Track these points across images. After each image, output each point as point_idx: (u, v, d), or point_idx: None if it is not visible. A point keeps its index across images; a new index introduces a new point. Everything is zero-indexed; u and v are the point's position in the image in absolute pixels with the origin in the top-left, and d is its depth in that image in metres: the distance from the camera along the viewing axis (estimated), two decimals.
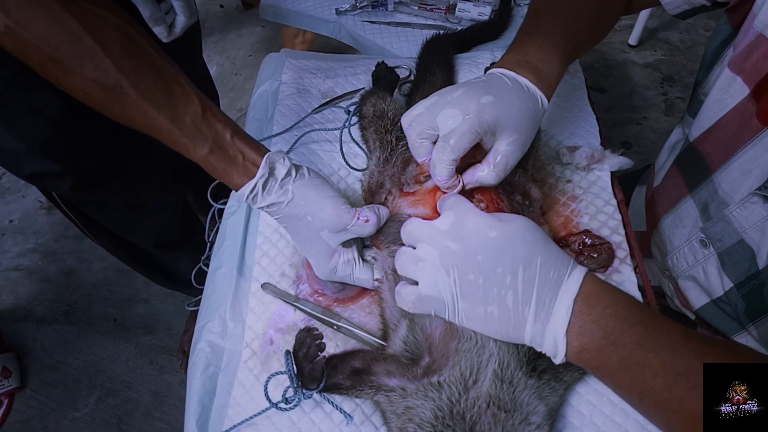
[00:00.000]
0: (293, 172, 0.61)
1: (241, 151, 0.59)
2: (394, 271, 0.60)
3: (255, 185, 0.59)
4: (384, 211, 0.63)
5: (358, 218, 0.60)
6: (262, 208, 0.61)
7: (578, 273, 0.48)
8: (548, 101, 0.61)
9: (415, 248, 0.53)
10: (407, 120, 0.61)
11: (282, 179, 0.60)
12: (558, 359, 0.47)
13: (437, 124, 0.58)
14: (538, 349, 0.49)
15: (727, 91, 0.66)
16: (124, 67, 0.52)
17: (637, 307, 0.47)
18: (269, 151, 0.61)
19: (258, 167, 0.59)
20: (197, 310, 0.74)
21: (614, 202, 0.75)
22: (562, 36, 0.64)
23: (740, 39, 0.64)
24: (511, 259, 0.48)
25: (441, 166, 0.58)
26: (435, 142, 0.59)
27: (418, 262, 0.51)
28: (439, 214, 0.62)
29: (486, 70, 0.87)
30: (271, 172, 0.60)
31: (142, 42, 0.55)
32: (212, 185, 0.80)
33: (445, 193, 0.62)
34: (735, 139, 0.65)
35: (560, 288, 0.47)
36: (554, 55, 0.62)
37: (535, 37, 0.64)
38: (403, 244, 0.56)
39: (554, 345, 0.47)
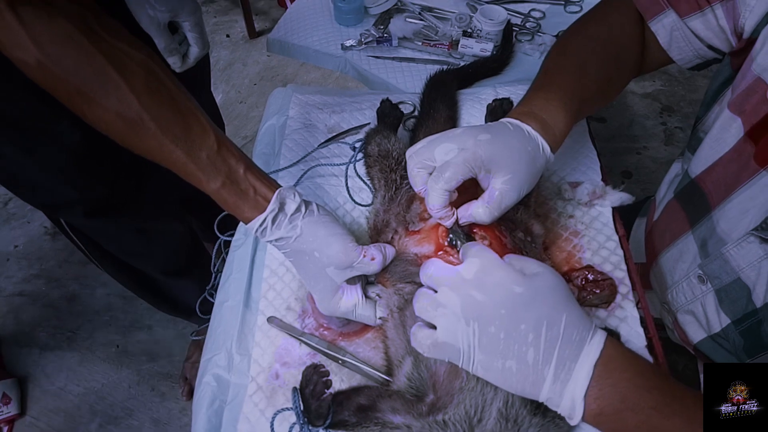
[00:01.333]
0: (303, 208, 0.62)
1: (252, 186, 0.61)
2: (400, 309, 0.61)
3: (265, 219, 0.60)
4: (390, 251, 0.64)
5: (364, 256, 0.61)
6: (271, 241, 0.62)
7: (600, 337, 0.49)
8: (553, 152, 0.63)
9: (435, 291, 0.53)
10: (409, 153, 0.64)
11: (291, 214, 0.61)
12: (574, 421, 0.48)
13: (434, 156, 0.61)
14: (553, 409, 0.49)
15: (727, 131, 0.67)
16: (146, 101, 0.55)
17: (654, 373, 0.49)
18: (280, 186, 0.63)
19: (269, 202, 0.61)
20: (200, 339, 0.74)
21: (616, 237, 0.76)
22: (569, 92, 0.66)
23: (738, 81, 0.65)
24: (535, 318, 0.48)
25: (434, 195, 0.60)
26: None
27: (439, 308, 0.51)
28: (442, 249, 0.64)
29: (488, 106, 0.89)
30: (281, 207, 0.61)
31: (164, 78, 0.58)
32: (219, 217, 0.82)
33: (443, 227, 0.63)
34: (734, 179, 0.66)
35: (582, 351, 0.48)
36: (560, 109, 0.64)
37: (542, 92, 0.66)
38: (409, 283, 0.57)
39: (571, 406, 0.48)
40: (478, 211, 0.61)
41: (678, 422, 0.45)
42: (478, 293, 0.50)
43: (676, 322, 0.82)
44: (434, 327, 0.52)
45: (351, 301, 0.65)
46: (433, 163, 0.61)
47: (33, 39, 0.49)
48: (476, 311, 0.49)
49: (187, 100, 0.59)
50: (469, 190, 0.63)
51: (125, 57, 0.54)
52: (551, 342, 0.48)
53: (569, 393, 0.47)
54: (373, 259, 0.62)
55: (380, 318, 0.65)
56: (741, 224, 0.66)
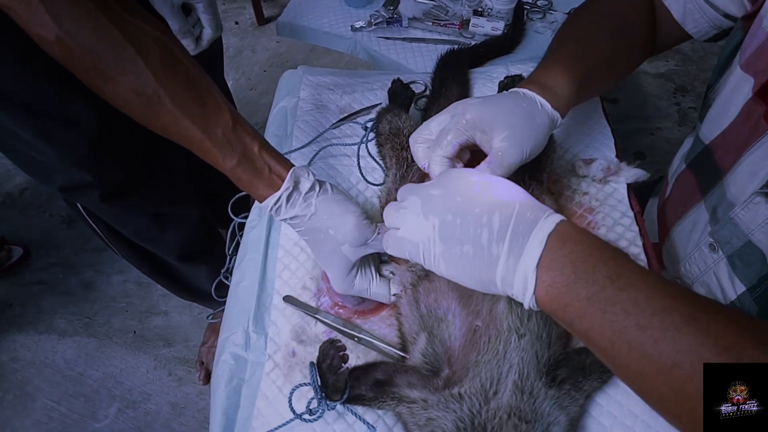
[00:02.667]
0: (317, 187, 0.62)
1: (267, 164, 0.61)
2: (413, 285, 0.61)
3: (279, 197, 0.60)
4: None
5: (378, 233, 0.62)
6: (285, 220, 0.63)
7: (555, 217, 0.47)
8: (558, 110, 0.62)
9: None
10: (411, 137, 0.65)
11: (306, 193, 0.62)
12: (527, 298, 0.46)
13: (431, 129, 0.63)
14: (508, 292, 0.47)
15: (739, 92, 0.66)
16: (162, 78, 0.55)
17: (611, 247, 0.46)
18: (294, 165, 0.63)
19: (283, 180, 0.61)
20: (216, 323, 0.75)
21: (631, 213, 0.75)
22: (571, 58, 0.66)
23: (749, 41, 0.64)
24: (489, 200, 0.48)
25: (434, 164, 0.60)
26: None
27: (400, 210, 0.53)
28: None
29: (500, 83, 0.89)
30: (296, 185, 0.61)
31: (180, 55, 0.58)
32: (233, 199, 0.82)
33: None
34: (744, 141, 0.65)
35: (536, 226, 0.46)
36: (561, 72, 0.64)
37: (542, 64, 0.67)
38: None
39: (524, 281, 0.45)
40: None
41: (636, 294, 0.41)
42: (435, 190, 0.52)
43: None
44: None
45: (365, 280, 0.65)
46: (432, 137, 0.62)
47: (52, 15, 0.50)
48: (434, 205, 0.51)
49: (203, 78, 0.59)
50: (474, 159, 0.63)
51: (142, 34, 0.55)
52: (505, 220, 0.47)
53: (522, 266, 0.45)
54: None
55: (394, 295, 0.65)
56: (750, 186, 0.65)
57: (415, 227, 0.51)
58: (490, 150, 0.60)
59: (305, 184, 0.62)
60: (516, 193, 0.49)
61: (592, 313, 0.43)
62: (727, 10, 0.67)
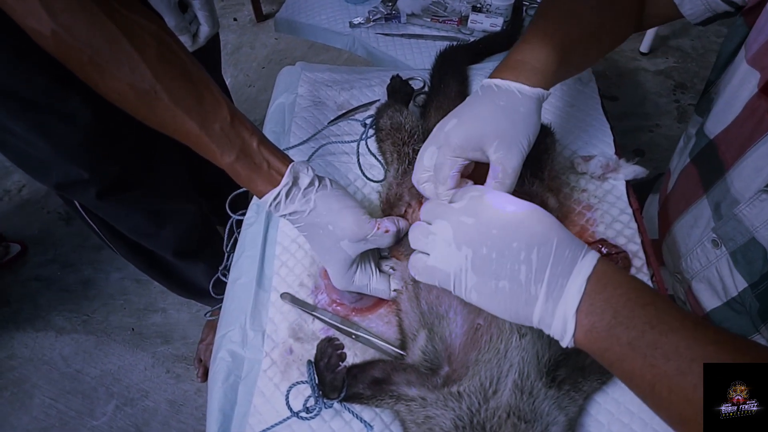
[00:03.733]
0: (316, 182, 0.62)
1: (266, 160, 0.61)
2: (414, 281, 0.61)
3: (278, 193, 0.60)
4: (403, 223, 0.64)
5: (378, 228, 0.61)
6: (284, 216, 0.62)
7: (592, 255, 0.47)
8: (541, 86, 0.60)
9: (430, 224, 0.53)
10: (415, 178, 0.64)
11: (305, 188, 0.61)
12: (566, 340, 0.46)
13: (425, 165, 0.62)
14: (546, 331, 0.48)
15: (743, 87, 0.66)
16: (159, 72, 0.55)
17: (649, 291, 0.46)
18: (293, 161, 0.63)
19: (282, 176, 0.61)
20: (214, 320, 0.75)
21: (630, 210, 0.75)
22: (552, 29, 0.63)
23: (755, 36, 0.64)
24: (527, 235, 0.47)
25: (444, 198, 0.60)
26: None
27: (430, 236, 0.52)
28: None
29: None
30: (295, 181, 0.61)
31: (177, 49, 0.57)
32: (231, 196, 0.82)
33: None
34: (748, 137, 0.65)
35: (574, 267, 0.46)
36: (541, 45, 0.61)
37: (522, 38, 0.65)
38: None
39: (563, 324, 0.46)
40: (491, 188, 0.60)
41: (676, 340, 0.42)
42: (468, 218, 0.50)
43: (690, 292, 0.81)
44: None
45: (365, 275, 0.65)
46: (430, 171, 0.61)
47: (47, 8, 0.49)
48: (468, 235, 0.49)
49: (200, 73, 0.59)
50: (478, 171, 0.63)
51: (138, 28, 0.54)
52: (543, 259, 0.46)
53: (561, 310, 0.46)
54: (386, 231, 0.62)
55: (395, 290, 0.65)
56: (755, 183, 0.64)
57: (446, 256, 0.50)
58: (492, 167, 0.59)
59: (304, 180, 0.61)
60: (551, 224, 0.49)
61: (633, 358, 0.44)
62: None
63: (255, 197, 0.82)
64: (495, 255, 0.48)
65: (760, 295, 0.67)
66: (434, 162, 0.60)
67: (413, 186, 0.70)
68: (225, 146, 0.59)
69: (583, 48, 0.68)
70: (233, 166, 0.60)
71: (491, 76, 0.62)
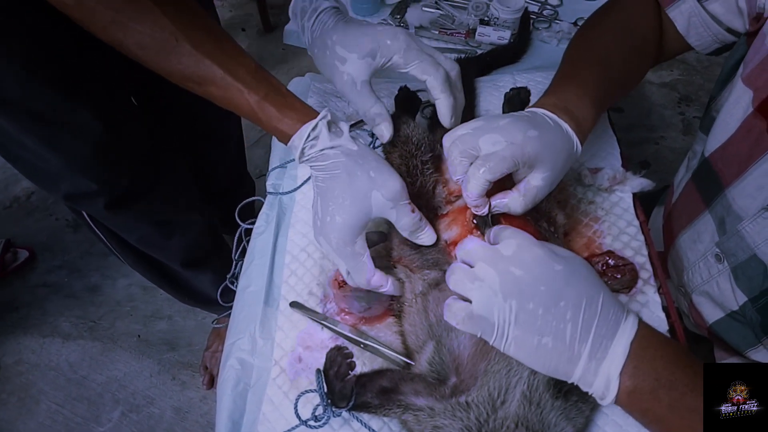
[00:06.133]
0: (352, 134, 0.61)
1: (297, 101, 0.60)
2: (423, 294, 0.61)
3: (317, 124, 0.58)
4: (430, 231, 0.64)
5: (413, 212, 0.61)
6: (323, 150, 0.59)
7: (633, 318, 0.50)
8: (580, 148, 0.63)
9: (472, 267, 0.52)
10: (450, 139, 0.61)
11: (347, 131, 0.60)
12: (606, 400, 0.48)
13: (479, 146, 0.59)
14: (585, 389, 0.49)
15: (739, 106, 0.67)
16: (179, 23, 0.56)
17: (687, 354, 0.49)
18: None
19: (318, 113, 0.59)
20: (220, 328, 0.76)
21: (636, 223, 0.76)
22: (595, 87, 0.66)
23: (751, 56, 0.65)
24: (575, 295, 0.48)
25: (474, 183, 0.58)
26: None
27: (476, 281, 0.50)
28: (470, 233, 0.64)
29: (506, 95, 0.89)
30: (334, 119, 0.60)
31: (196, 6, 0.59)
32: (240, 205, 0.83)
33: (471, 212, 0.64)
34: (747, 155, 0.66)
35: (618, 329, 0.48)
36: (590, 106, 0.64)
37: (572, 86, 0.66)
38: (435, 270, 0.57)
39: (605, 385, 0.48)
40: (513, 201, 0.61)
41: None
42: (517, 269, 0.50)
43: (692, 305, 0.82)
44: (468, 301, 0.51)
45: (365, 248, 0.62)
46: (476, 153, 0.59)
47: None
48: (515, 287, 0.49)
49: (220, 28, 0.60)
50: (499, 180, 0.63)
51: None
52: (589, 320, 0.48)
53: (604, 371, 0.47)
54: (413, 211, 0.61)
55: (404, 299, 0.65)
56: (757, 200, 0.65)
57: (490, 305, 0.49)
58: (525, 181, 0.60)
59: (344, 126, 0.60)
60: (597, 284, 0.50)
61: (672, 419, 0.47)
62: (731, 25, 0.68)
63: (265, 204, 0.83)
64: (541, 311, 0.48)
65: (760, 309, 0.68)
66: (495, 150, 0.57)
67: (425, 198, 0.70)
68: (251, 85, 0.58)
69: (614, 96, 0.72)
70: (261, 104, 0.58)
71: (553, 110, 0.63)
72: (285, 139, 0.60)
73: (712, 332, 0.79)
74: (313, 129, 0.58)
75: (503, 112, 0.87)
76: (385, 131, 0.69)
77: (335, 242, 0.60)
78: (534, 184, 0.60)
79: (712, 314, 0.78)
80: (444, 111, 0.67)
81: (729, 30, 0.69)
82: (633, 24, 0.73)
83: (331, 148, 0.59)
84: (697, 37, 0.71)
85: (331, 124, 0.59)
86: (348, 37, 0.65)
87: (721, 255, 0.72)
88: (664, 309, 0.68)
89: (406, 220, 0.61)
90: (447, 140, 0.62)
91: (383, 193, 0.59)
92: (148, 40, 0.56)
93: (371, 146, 0.82)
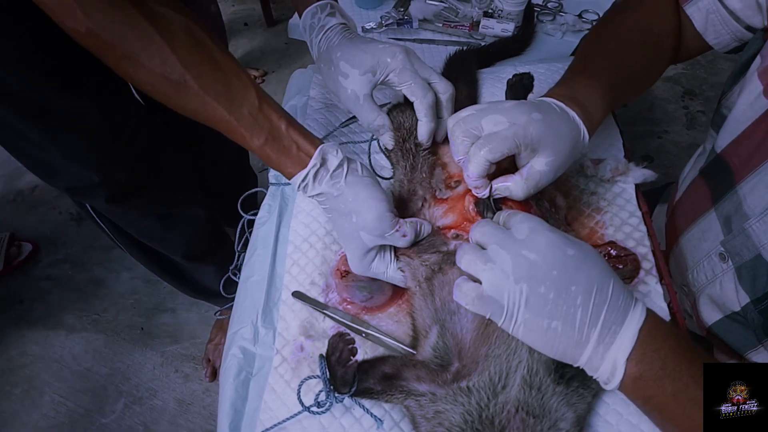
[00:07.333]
0: (345, 165, 0.63)
1: (295, 142, 0.62)
2: (428, 279, 0.61)
3: (306, 175, 0.61)
4: (426, 228, 0.65)
5: (398, 230, 0.62)
6: (313, 196, 0.64)
7: (642, 306, 0.50)
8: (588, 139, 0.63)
9: (485, 249, 0.53)
10: (454, 120, 0.62)
11: (333, 171, 0.62)
12: (611, 385, 0.48)
13: (482, 126, 0.59)
14: (590, 373, 0.50)
15: (756, 101, 0.67)
16: (188, 62, 0.57)
17: (693, 346, 0.49)
18: (324, 143, 0.64)
19: (311, 158, 0.62)
20: (223, 319, 0.76)
21: (639, 214, 0.76)
22: (607, 80, 0.66)
23: (766, 52, 0.65)
24: (586, 280, 0.49)
25: (475, 163, 0.58)
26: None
27: (488, 263, 0.51)
28: (468, 219, 0.64)
29: (508, 81, 0.89)
30: (323, 162, 0.62)
31: (205, 39, 0.60)
32: (242, 197, 0.83)
33: (473, 196, 0.64)
34: (761, 150, 0.65)
35: (627, 316, 0.49)
36: (599, 97, 0.64)
37: (582, 77, 0.66)
38: (434, 253, 0.57)
39: (611, 370, 0.48)
40: (515, 186, 0.61)
41: None
42: (530, 253, 0.50)
43: (694, 306, 0.81)
44: (479, 282, 0.51)
45: (383, 263, 0.66)
46: (479, 133, 0.60)
47: (82, 9, 0.52)
48: (527, 271, 0.49)
49: (228, 60, 0.61)
50: (501, 164, 0.63)
51: (167, 21, 0.57)
52: (599, 305, 0.48)
53: (611, 356, 0.48)
54: (404, 236, 0.63)
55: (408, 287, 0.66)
56: (766, 198, 0.65)
57: (501, 288, 0.50)
58: (528, 166, 0.60)
59: (333, 162, 0.62)
60: (607, 271, 0.51)
61: (674, 408, 0.47)
62: (750, 22, 0.67)
63: (267, 195, 0.83)
64: (552, 296, 0.49)
65: (763, 310, 0.68)
66: (497, 130, 0.58)
67: (423, 179, 0.70)
68: (254, 130, 0.60)
69: (626, 94, 0.72)
70: (263, 149, 0.61)
71: (561, 99, 0.63)
72: (287, 177, 0.64)
73: (711, 333, 0.79)
74: (303, 179, 0.62)
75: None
76: (388, 141, 0.75)
77: (352, 265, 0.67)
78: (537, 168, 0.60)
79: (711, 316, 0.77)
80: (422, 132, 0.73)
81: (748, 27, 0.68)
82: (649, 22, 0.73)
83: (318, 195, 0.63)
84: (715, 35, 0.71)
85: (318, 172, 0.62)
86: (351, 53, 0.70)
87: (725, 254, 0.72)
88: (666, 299, 0.68)
89: (400, 243, 0.64)
90: (451, 121, 0.63)
91: (369, 231, 0.62)
92: (158, 79, 0.57)
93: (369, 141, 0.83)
